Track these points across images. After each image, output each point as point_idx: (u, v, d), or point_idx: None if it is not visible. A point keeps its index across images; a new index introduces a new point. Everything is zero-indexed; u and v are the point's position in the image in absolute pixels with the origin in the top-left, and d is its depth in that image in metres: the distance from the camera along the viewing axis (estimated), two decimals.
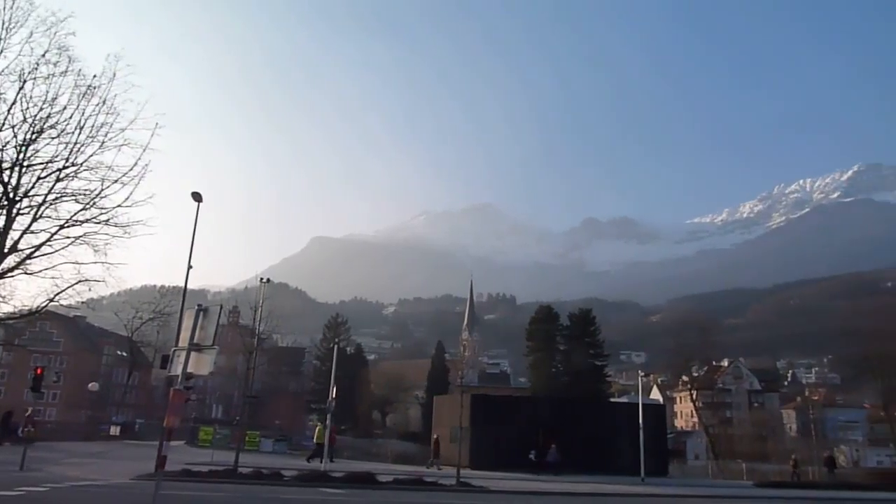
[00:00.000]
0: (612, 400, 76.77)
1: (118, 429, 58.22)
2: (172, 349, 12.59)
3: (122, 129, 16.29)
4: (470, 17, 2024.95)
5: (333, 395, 31.31)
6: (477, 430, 37.68)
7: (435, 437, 37.41)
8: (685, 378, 75.49)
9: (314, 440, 38.26)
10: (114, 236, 16.81)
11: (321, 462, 34.47)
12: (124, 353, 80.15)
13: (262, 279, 30.14)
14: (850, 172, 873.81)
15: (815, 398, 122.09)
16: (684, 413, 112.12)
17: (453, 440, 36.65)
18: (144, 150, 16.21)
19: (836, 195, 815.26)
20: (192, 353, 11.51)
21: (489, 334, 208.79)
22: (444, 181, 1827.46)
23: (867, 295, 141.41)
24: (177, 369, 11.68)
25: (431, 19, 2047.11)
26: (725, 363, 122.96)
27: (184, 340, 11.82)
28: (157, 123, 16.13)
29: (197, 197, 21.59)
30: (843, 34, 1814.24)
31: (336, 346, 40.61)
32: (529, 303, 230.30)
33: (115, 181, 16.32)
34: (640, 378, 43.88)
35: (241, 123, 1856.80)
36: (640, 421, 37.37)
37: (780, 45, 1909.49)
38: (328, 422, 33.12)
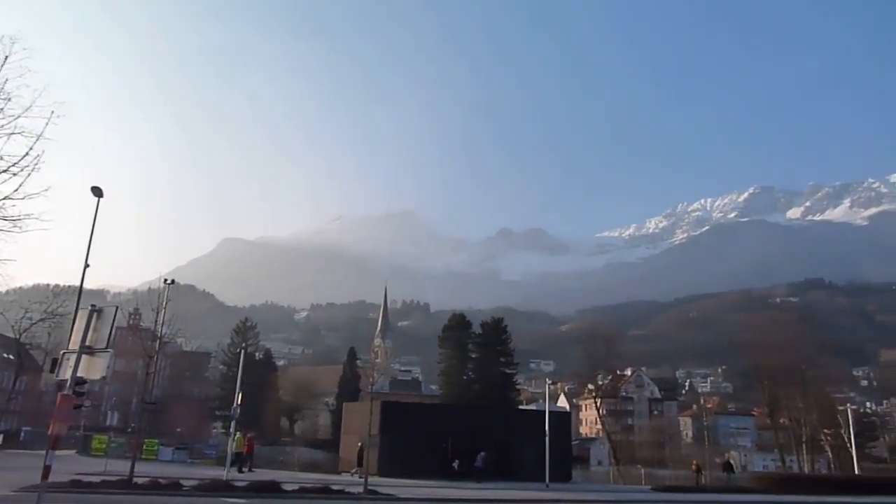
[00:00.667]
0: (521, 407, 78.13)
1: (0, 437, 54.27)
2: (62, 352, 11.86)
3: (16, 117, 15.23)
4: (396, 23, 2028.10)
5: (238, 402, 30.37)
6: (387, 438, 37.50)
7: (360, 444, 37.00)
8: (591, 386, 77.85)
9: (233, 449, 37.36)
10: (1, 230, 15.67)
11: (247, 470, 33.61)
12: (10, 356, 74.80)
13: (165, 280, 28.83)
14: (746, 194, 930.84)
15: (709, 406, 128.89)
16: (589, 420, 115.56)
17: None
18: (38, 139, 15.20)
19: (733, 215, 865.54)
20: (84, 357, 10.91)
21: (402, 341, 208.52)
22: (362, 186, 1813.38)
23: (758, 309, 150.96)
24: (66, 373, 11.04)
25: (356, 23, 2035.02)
26: (629, 372, 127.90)
27: (75, 343, 11.19)
28: (52, 112, 15.16)
29: (97, 192, 20.44)
30: (742, 66, 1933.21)
31: (243, 351, 39.36)
32: (443, 310, 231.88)
33: (4, 171, 15.24)
34: (547, 386, 45.02)
35: (146, 119, 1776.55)
36: (547, 428, 38.30)
37: (687, 71, 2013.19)
38: (232, 428, 32.12)
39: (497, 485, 35.65)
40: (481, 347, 77.40)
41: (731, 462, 58.51)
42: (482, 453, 38.31)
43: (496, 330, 78.41)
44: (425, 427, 41.64)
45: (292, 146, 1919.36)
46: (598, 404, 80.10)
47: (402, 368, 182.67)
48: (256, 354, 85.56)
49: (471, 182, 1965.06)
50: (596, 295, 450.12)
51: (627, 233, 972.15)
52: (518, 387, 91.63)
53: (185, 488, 22.17)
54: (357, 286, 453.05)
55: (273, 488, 23.52)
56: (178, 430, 69.34)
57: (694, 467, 50.75)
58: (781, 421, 72.12)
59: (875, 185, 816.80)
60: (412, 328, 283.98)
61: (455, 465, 38.06)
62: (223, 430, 75.98)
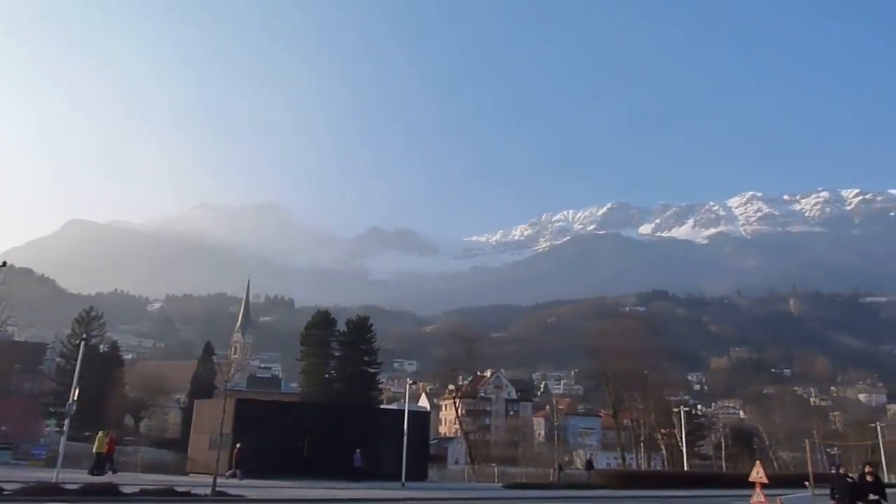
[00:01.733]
0: (382, 407, 78.25)
1: None
2: None
3: None
4: (270, 16, 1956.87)
5: (74, 397, 28.03)
6: (240, 437, 36.17)
7: (238, 445, 35.32)
8: (452, 387, 79.56)
9: (94, 449, 34.57)
10: None
11: (110, 472, 31.34)
12: None
13: None
14: (604, 209, 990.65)
15: (561, 407, 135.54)
16: (448, 420, 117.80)
17: (212, 447, 34.79)
18: None
19: (592, 227, 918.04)
20: None
21: (264, 337, 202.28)
22: (228, 175, 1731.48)
23: (609, 317, 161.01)
24: None
25: (230, 11, 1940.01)
26: (488, 374, 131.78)
27: None
28: None
29: None
30: (608, 90, 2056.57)
31: (84, 343, 36.36)
32: (308, 307, 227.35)
33: None
34: (408, 386, 45.40)
35: None
36: (405, 427, 38.62)
37: (559, 85, 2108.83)
38: (66, 426, 29.60)
39: (353, 484, 35.47)
40: (345, 346, 76.72)
41: (592, 460, 62.93)
42: (358, 451, 38.32)
43: (361, 328, 78.04)
44: (282, 426, 40.68)
45: (160, 127, 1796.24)
46: (458, 404, 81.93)
47: (262, 365, 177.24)
48: (101, 347, 79.61)
49: (343, 178, 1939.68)
50: (461, 297, 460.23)
51: (494, 238, 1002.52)
52: (380, 386, 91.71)
53: (6, 492, 20.10)
54: (218, 278, 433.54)
55: (109, 490, 21.92)
56: (3, 428, 62.92)
57: (556, 466, 54.23)
58: (624, 421, 77.39)
59: (715, 208, 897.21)
60: (275, 324, 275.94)
61: (310, 459, 37.53)
62: (57, 429, 69.89)
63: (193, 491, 23.83)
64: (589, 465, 57.52)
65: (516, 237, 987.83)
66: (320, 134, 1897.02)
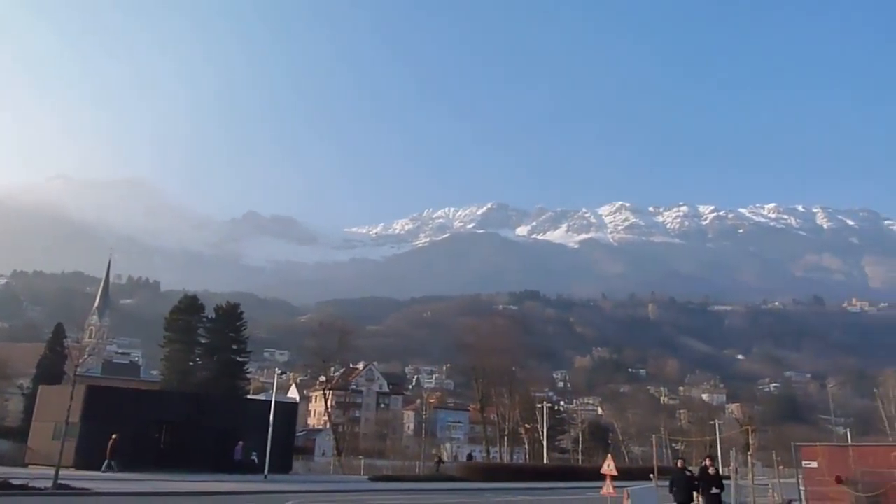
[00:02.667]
0: (249, 397, 75.81)
1: None
2: None
3: None
4: None
5: None
6: (88, 426, 33.85)
7: (114, 436, 32.58)
8: (323, 378, 78.43)
9: None
10: None
11: None
12: None
13: None
14: (484, 208, 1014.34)
15: (431, 401, 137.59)
16: (318, 412, 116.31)
17: (56, 437, 32.26)
18: None
19: (471, 226, 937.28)
20: None
21: (124, 321, 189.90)
22: (94, 145, 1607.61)
23: (483, 315, 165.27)
24: None
25: None
26: (361, 366, 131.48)
27: None
28: None
29: None
30: (491, 92, 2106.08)
31: None
32: (174, 291, 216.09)
33: None
34: (276, 376, 44.29)
35: None
36: (271, 418, 37.72)
37: (443, 86, 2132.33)
38: None
39: (215, 476, 34.17)
40: (213, 333, 73.60)
41: (472, 455, 65.25)
42: (240, 443, 37.26)
43: (231, 316, 75.21)
44: (137, 416, 38.42)
45: (14, 92, 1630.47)
46: (328, 396, 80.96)
47: (121, 351, 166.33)
48: None
49: (223, 159, 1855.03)
50: (338, 289, 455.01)
51: (375, 231, 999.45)
52: (249, 376, 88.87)
53: None
54: (74, 255, 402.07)
55: None
56: None
57: (436, 459, 55.85)
58: (491, 416, 79.75)
59: (587, 215, 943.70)
60: (137, 307, 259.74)
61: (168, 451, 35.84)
62: None
63: (32, 484, 22.05)
64: (469, 457, 59.63)
65: (397, 231, 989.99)
66: (204, 109, 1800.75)
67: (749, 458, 37.98)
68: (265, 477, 35.53)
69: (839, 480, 14.95)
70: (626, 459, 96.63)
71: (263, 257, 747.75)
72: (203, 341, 73.36)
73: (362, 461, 60.55)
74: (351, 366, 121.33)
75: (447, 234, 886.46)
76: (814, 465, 15.84)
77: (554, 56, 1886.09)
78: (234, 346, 74.58)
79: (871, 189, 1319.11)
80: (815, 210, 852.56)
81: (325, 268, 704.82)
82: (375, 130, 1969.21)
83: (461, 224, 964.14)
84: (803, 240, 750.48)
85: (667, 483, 21.61)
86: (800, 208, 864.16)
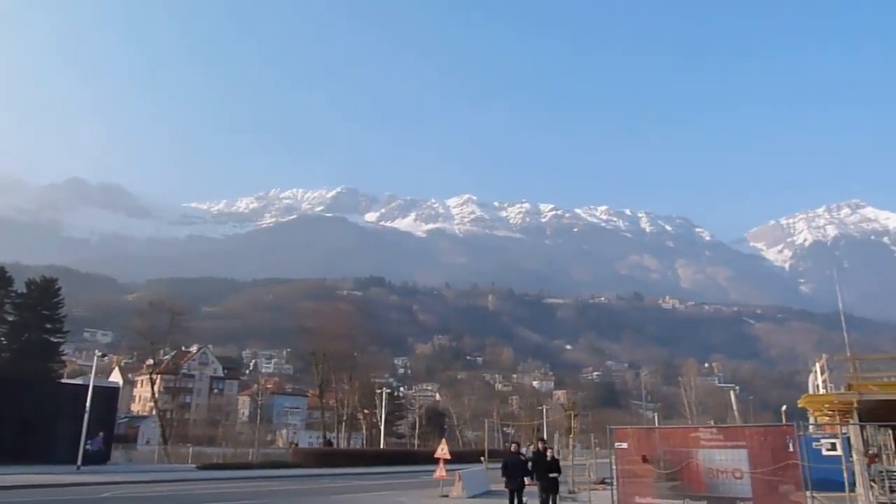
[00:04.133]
0: (64, 381, 69.26)
1: None
2: None
3: None
4: None
5: None
6: None
7: None
8: (151, 361, 73.39)
9: None
10: None
11: None
12: None
13: None
14: (334, 192, 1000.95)
15: (269, 386, 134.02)
16: (144, 397, 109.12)
17: None
18: None
19: (320, 208, 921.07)
20: None
21: None
22: None
23: (327, 299, 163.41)
24: None
25: None
26: (194, 349, 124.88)
27: None
28: None
29: None
30: (359, 75, 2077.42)
31: None
32: None
33: None
34: (95, 359, 40.73)
35: None
36: (88, 404, 34.78)
37: (301, 64, 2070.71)
38: None
39: (19, 469, 30.88)
40: (23, 310, 66.32)
41: (330, 441, 65.31)
42: (101, 434, 33.88)
43: (46, 291, 68.21)
44: None
45: None
46: (156, 380, 76.03)
47: None
48: None
49: (45, 116, 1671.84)
50: (172, 266, 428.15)
51: (217, 208, 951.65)
52: (64, 358, 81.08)
53: None
54: None
55: None
56: None
57: (325, 442, 56.13)
58: (330, 402, 79.12)
59: (436, 205, 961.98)
60: None
61: None
62: None
63: None
64: (328, 443, 59.91)
65: (241, 209, 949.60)
66: (24, 56, 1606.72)
67: (570, 440, 40.84)
68: (78, 468, 32.74)
69: (645, 459, 16.41)
70: (461, 443, 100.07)
71: (87, 228, 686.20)
72: (10, 318, 65.95)
73: (190, 449, 57.72)
74: (183, 349, 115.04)
75: (294, 216, 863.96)
76: (624, 445, 17.27)
77: (424, 41, 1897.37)
78: (49, 325, 67.80)
79: (687, 199, 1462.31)
80: (640, 215, 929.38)
81: (159, 244, 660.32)
82: (221, 102, 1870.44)
83: (309, 206, 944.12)
84: (628, 241, 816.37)
85: (498, 466, 21.52)
86: (627, 212, 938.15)
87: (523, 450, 23.64)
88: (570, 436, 42.57)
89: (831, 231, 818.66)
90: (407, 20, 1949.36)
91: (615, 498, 17.10)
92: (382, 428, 70.07)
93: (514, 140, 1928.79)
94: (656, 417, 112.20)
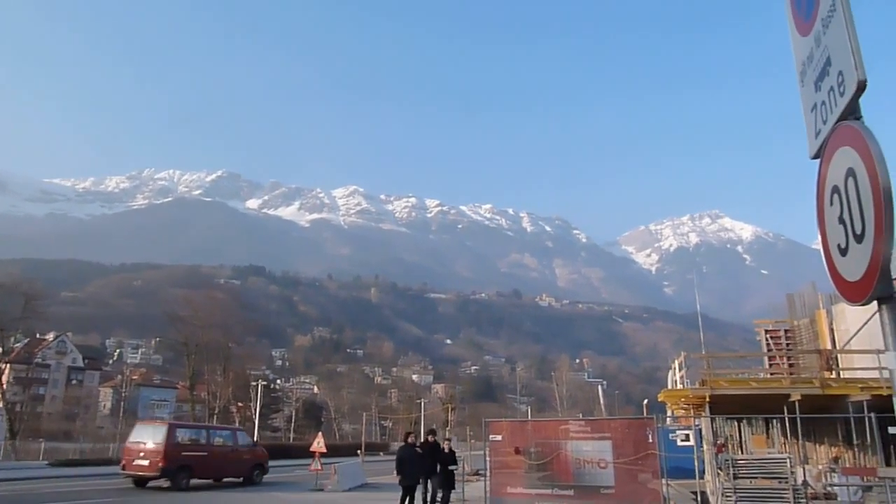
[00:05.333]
0: None
1: None
2: None
3: None
4: None
5: None
6: None
7: None
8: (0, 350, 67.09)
9: None
10: None
11: None
12: None
13: None
14: (214, 175, 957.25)
15: (136, 377, 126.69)
16: None
17: None
18: None
19: (198, 192, 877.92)
20: None
21: None
22: None
23: (202, 287, 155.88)
24: None
25: None
26: (51, 337, 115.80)
27: None
28: None
29: None
30: (228, 63, 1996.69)
31: None
32: None
33: None
34: None
35: None
36: None
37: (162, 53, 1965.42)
38: None
39: None
40: None
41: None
42: None
43: None
44: None
45: None
46: (4, 370, 69.62)
47: None
48: None
49: None
50: (28, 247, 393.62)
51: (83, 185, 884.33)
52: None
53: None
54: None
55: None
56: None
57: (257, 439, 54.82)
58: (201, 394, 75.89)
59: (321, 195, 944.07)
60: None
61: None
62: None
63: None
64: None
65: (110, 188, 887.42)
66: None
67: (447, 432, 41.57)
68: None
69: (517, 451, 16.97)
70: (338, 437, 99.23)
71: None
72: None
73: (43, 445, 53.43)
74: (38, 336, 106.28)
75: (169, 199, 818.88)
76: (499, 438, 17.75)
77: (307, 30, 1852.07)
78: None
79: (566, 202, 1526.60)
80: (522, 214, 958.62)
81: (13, 221, 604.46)
82: (90, 73, 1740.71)
83: (187, 189, 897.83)
84: (510, 239, 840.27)
85: (377, 459, 21.37)
86: (510, 211, 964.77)
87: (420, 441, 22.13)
88: (447, 428, 43.30)
89: (693, 238, 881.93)
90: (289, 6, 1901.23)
91: (488, 489, 17.55)
92: (257, 421, 67.99)
93: (403, 134, 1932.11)
94: (529, 411, 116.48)
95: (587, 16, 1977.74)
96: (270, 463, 44.06)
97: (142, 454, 25.39)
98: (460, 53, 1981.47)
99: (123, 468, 26.16)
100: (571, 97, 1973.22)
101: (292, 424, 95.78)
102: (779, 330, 34.70)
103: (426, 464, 17.56)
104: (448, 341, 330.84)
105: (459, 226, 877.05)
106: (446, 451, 18.38)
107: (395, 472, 17.36)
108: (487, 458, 18.04)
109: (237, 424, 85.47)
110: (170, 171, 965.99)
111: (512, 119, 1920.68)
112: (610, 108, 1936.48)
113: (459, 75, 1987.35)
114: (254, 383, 76.81)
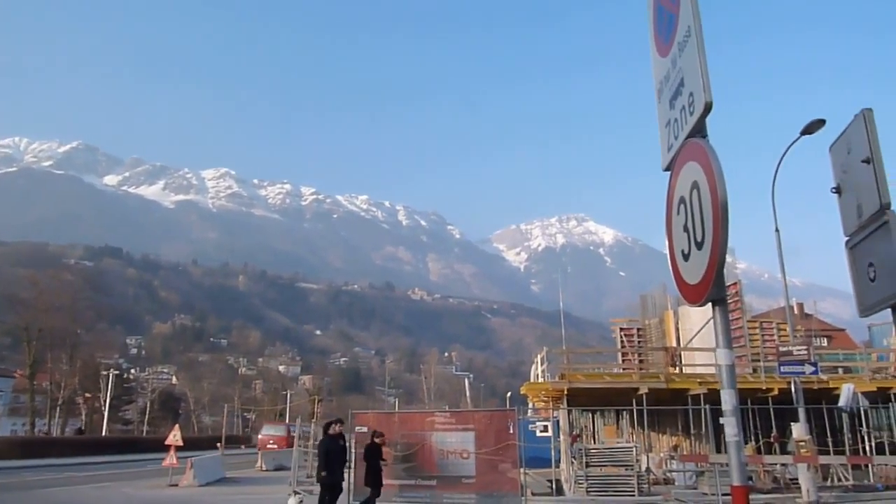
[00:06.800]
0: None
1: None
2: None
3: None
4: None
5: None
6: None
7: None
8: None
9: None
10: None
11: None
12: None
13: None
14: (68, 147, 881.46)
15: None
16: None
17: None
18: None
19: (48, 164, 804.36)
20: None
21: None
22: None
23: (49, 267, 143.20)
24: None
25: None
26: None
27: None
28: None
29: None
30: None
31: None
32: None
33: None
34: None
35: None
36: None
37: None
38: None
39: None
40: None
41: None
42: None
43: None
44: None
45: None
46: None
47: None
48: None
49: None
50: None
51: None
52: None
53: None
54: None
55: None
56: None
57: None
58: (43, 384, 69.99)
59: (189, 175, 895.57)
60: None
61: None
62: None
63: None
64: None
65: None
66: None
67: (313, 424, 41.07)
68: None
69: (383, 443, 17.08)
70: (196, 430, 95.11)
71: None
72: None
73: None
74: None
75: (14, 168, 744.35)
76: (364, 429, 17.80)
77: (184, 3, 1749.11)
78: None
79: (442, 197, 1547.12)
80: (398, 207, 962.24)
81: None
82: None
83: (35, 159, 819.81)
84: (386, 232, 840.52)
85: (238, 452, 20.30)
86: (387, 204, 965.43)
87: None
88: (313, 421, 42.72)
89: (560, 239, 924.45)
90: None
91: (352, 481, 17.53)
92: (106, 413, 63.75)
93: (279, 119, 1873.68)
94: (397, 403, 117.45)
95: (471, 9, 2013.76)
96: (121, 457, 41.61)
97: None
98: (339, 42, 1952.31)
99: None
100: (451, 92, 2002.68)
101: (146, 416, 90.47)
102: (632, 328, 37.21)
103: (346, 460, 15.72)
104: (318, 332, 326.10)
105: (335, 215, 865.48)
106: (378, 442, 16.15)
107: (318, 468, 15.08)
108: (353, 450, 18.02)
109: (83, 417, 79.79)
110: (15, 138, 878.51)
111: (393, 111, 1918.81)
112: (490, 106, 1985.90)
113: (338, 65, 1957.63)
114: (104, 372, 71.96)
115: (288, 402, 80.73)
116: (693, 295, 3.39)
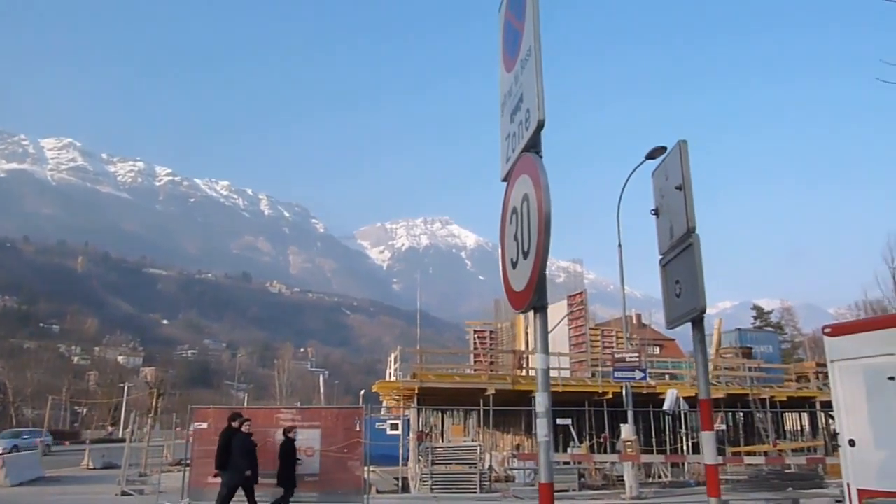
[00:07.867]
0: None
1: None
2: None
3: None
4: None
5: None
6: None
7: None
8: None
9: None
10: None
11: None
12: None
13: None
14: None
15: None
16: None
17: None
18: None
19: None
20: None
21: None
22: None
23: None
24: None
25: None
26: None
27: None
28: None
29: None
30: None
31: None
32: None
33: None
34: None
35: None
36: None
37: None
38: None
39: None
40: None
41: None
42: None
43: None
44: None
45: None
46: None
47: None
48: None
49: None
50: None
51: None
52: None
53: None
54: None
55: None
56: None
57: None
58: None
59: (25, 143, 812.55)
60: None
61: None
62: None
63: None
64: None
65: None
66: None
67: (150, 420, 38.76)
68: None
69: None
70: (14, 423, 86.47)
71: None
72: None
73: None
74: None
75: None
76: (205, 426, 17.11)
77: None
78: None
79: (308, 190, 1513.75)
80: (261, 196, 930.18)
81: None
82: None
83: None
84: (246, 221, 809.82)
85: (62, 448, 19.41)
86: (249, 192, 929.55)
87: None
88: (151, 415, 40.26)
89: (424, 240, 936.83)
90: None
91: (188, 479, 16.77)
92: None
93: (135, 90, 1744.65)
94: (247, 398, 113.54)
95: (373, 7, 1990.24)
96: None
97: None
98: (210, 13, 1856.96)
99: None
100: (326, 95, 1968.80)
101: None
102: (485, 331, 38.50)
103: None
104: (165, 321, 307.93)
105: (192, 199, 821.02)
106: (291, 437, 15.53)
107: (217, 465, 13.79)
108: (191, 448, 17.23)
109: None
110: None
111: (262, 96, 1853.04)
112: (365, 110, 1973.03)
113: (210, 41, 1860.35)
114: None
115: (125, 395, 75.43)
116: (518, 301, 3.57)
